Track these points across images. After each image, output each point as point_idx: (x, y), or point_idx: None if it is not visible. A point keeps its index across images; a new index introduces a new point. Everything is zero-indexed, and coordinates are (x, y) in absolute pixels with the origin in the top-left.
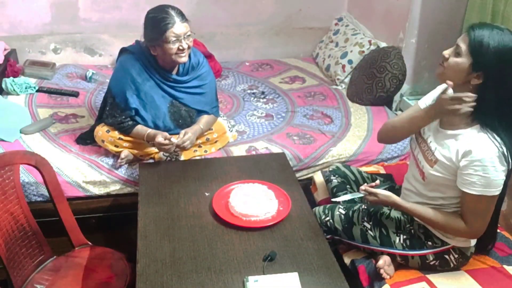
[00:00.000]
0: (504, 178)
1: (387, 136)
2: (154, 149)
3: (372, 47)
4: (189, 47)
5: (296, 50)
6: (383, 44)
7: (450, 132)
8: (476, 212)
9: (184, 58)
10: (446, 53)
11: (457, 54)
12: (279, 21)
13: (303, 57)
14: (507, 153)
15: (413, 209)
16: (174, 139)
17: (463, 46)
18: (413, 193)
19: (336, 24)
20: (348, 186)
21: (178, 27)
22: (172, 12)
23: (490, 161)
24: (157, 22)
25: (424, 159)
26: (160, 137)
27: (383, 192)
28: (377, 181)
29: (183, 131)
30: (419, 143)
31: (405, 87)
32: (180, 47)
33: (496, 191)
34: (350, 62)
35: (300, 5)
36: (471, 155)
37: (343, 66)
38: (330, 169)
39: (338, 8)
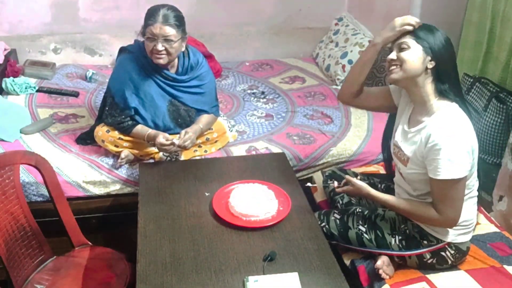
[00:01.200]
0: (469, 159)
1: (346, 89)
2: (154, 149)
3: None
4: (168, 52)
5: (296, 50)
6: None
7: (414, 129)
8: (444, 198)
9: (160, 60)
10: (393, 55)
11: (403, 49)
12: (279, 21)
13: (303, 57)
14: (468, 134)
15: (386, 199)
16: (176, 140)
17: (408, 39)
18: (403, 195)
19: (336, 24)
20: None
21: (156, 27)
22: (161, 12)
23: (448, 143)
24: (146, 16)
25: (399, 161)
26: (162, 138)
27: (358, 182)
28: (358, 177)
29: (183, 131)
30: (394, 149)
31: None
32: (155, 48)
33: (460, 173)
34: (350, 62)
35: (300, 5)
36: (431, 140)
37: (343, 66)
38: (327, 173)
39: (338, 8)
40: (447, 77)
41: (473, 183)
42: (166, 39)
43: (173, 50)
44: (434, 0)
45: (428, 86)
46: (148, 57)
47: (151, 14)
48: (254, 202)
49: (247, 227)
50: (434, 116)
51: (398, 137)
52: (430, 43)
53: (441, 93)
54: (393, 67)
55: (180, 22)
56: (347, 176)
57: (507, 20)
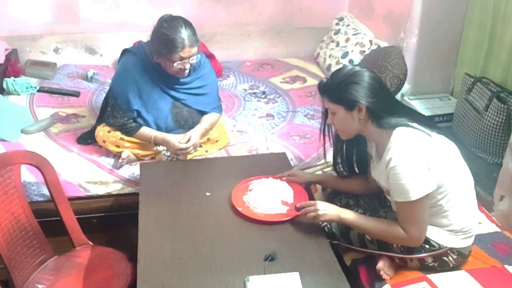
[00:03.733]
0: (426, 177)
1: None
2: (155, 149)
3: (373, 47)
4: (191, 66)
5: (297, 50)
6: (384, 44)
7: (380, 161)
8: (406, 218)
9: (184, 75)
10: (329, 122)
11: (333, 114)
12: (280, 20)
13: (304, 57)
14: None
15: (355, 221)
16: (183, 145)
17: (328, 105)
18: None
19: (337, 24)
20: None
21: (186, 52)
22: (185, 34)
23: (399, 168)
24: (167, 41)
25: (384, 192)
26: (178, 143)
27: (323, 206)
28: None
29: (187, 136)
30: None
31: (406, 87)
32: (183, 68)
33: (416, 195)
34: (351, 62)
35: (301, 5)
36: (388, 167)
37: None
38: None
39: (339, 7)
40: (382, 111)
41: (460, 190)
42: (193, 58)
43: (194, 62)
44: (435, 0)
45: (371, 128)
46: (151, 59)
47: (174, 40)
48: (274, 197)
49: (263, 221)
50: (389, 145)
51: (373, 171)
52: (347, 97)
53: (384, 127)
54: (336, 130)
55: (197, 35)
56: (309, 202)
57: (508, 20)
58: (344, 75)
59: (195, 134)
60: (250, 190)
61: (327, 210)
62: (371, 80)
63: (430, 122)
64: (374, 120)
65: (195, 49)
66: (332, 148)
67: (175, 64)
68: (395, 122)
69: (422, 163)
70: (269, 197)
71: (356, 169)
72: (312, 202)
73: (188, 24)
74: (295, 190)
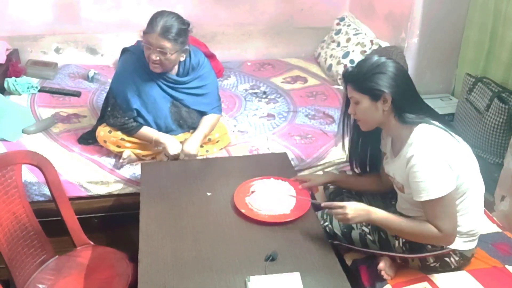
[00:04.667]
0: (448, 174)
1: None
2: (156, 149)
3: (374, 47)
4: (162, 64)
5: (298, 50)
6: (385, 44)
7: (397, 157)
8: (435, 215)
9: (155, 69)
10: (351, 109)
11: (356, 103)
12: (280, 20)
13: (304, 57)
14: (441, 148)
15: (386, 221)
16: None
17: (352, 93)
18: (410, 209)
19: (337, 24)
20: (344, 190)
21: (152, 37)
22: (161, 22)
23: (422, 165)
24: (148, 21)
25: (397, 189)
26: (173, 151)
27: (353, 207)
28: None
29: (184, 152)
30: (389, 178)
31: None
32: (149, 56)
33: (440, 192)
34: (352, 62)
35: (302, 5)
36: (409, 164)
37: (345, 66)
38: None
39: (340, 7)
40: (406, 105)
41: (474, 194)
42: (161, 51)
43: (167, 62)
44: (436, 0)
45: (393, 122)
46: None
47: (151, 22)
48: (275, 198)
49: (265, 222)
50: (409, 142)
51: (387, 167)
52: (373, 87)
53: (406, 122)
54: (357, 120)
55: (179, 35)
56: (337, 203)
57: (509, 20)
58: (372, 65)
59: (192, 148)
60: (252, 192)
61: (357, 213)
62: (398, 71)
63: (448, 123)
64: (397, 114)
65: (164, 43)
66: (334, 148)
67: (145, 49)
68: (418, 118)
69: (444, 161)
70: (272, 198)
71: (367, 168)
72: (341, 204)
73: (175, 18)
74: (297, 190)
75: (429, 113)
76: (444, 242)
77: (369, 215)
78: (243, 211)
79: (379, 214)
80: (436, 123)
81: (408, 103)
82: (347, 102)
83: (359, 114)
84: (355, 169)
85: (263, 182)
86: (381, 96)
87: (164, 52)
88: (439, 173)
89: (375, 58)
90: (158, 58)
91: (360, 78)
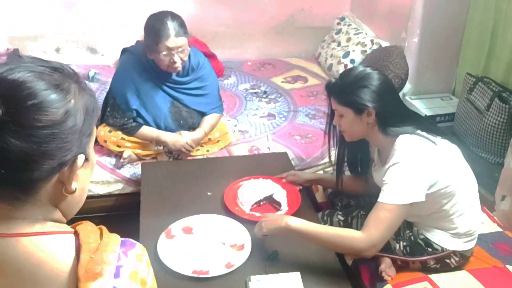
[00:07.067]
0: (416, 186)
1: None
2: (156, 149)
3: (375, 47)
4: (182, 61)
5: (299, 50)
6: (385, 44)
7: (383, 167)
8: (375, 220)
9: (178, 69)
10: (336, 123)
11: (340, 116)
12: (281, 20)
13: (305, 57)
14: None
15: (303, 227)
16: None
17: (335, 106)
18: (411, 218)
19: (338, 23)
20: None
21: (171, 41)
22: (170, 24)
23: (393, 169)
24: (153, 31)
25: None
26: (184, 140)
27: (272, 215)
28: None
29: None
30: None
31: (408, 87)
32: (171, 60)
33: (399, 200)
34: (352, 61)
35: (303, 5)
36: (388, 166)
37: (345, 66)
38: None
39: (340, 7)
40: (390, 117)
41: (465, 194)
42: (182, 50)
43: (187, 57)
44: (436, 0)
45: (376, 133)
46: (149, 59)
47: (159, 30)
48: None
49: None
50: (392, 152)
51: (375, 175)
52: (357, 101)
53: (389, 134)
54: (342, 131)
55: (186, 27)
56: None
57: (510, 20)
58: (355, 77)
59: (188, 136)
60: (242, 195)
61: (273, 222)
62: (382, 84)
63: (433, 126)
64: (381, 126)
65: (182, 40)
66: (334, 148)
67: (162, 56)
68: (401, 130)
69: (417, 174)
70: (259, 198)
71: (359, 169)
72: (264, 214)
73: (175, 16)
74: (288, 191)
75: (413, 121)
76: (359, 249)
77: (286, 222)
78: (236, 208)
79: (297, 221)
80: (419, 131)
81: (392, 115)
82: (331, 113)
83: (343, 126)
84: (344, 172)
85: (248, 183)
86: (365, 110)
87: (183, 49)
88: (405, 183)
89: (359, 69)
90: (179, 59)
91: (343, 91)
